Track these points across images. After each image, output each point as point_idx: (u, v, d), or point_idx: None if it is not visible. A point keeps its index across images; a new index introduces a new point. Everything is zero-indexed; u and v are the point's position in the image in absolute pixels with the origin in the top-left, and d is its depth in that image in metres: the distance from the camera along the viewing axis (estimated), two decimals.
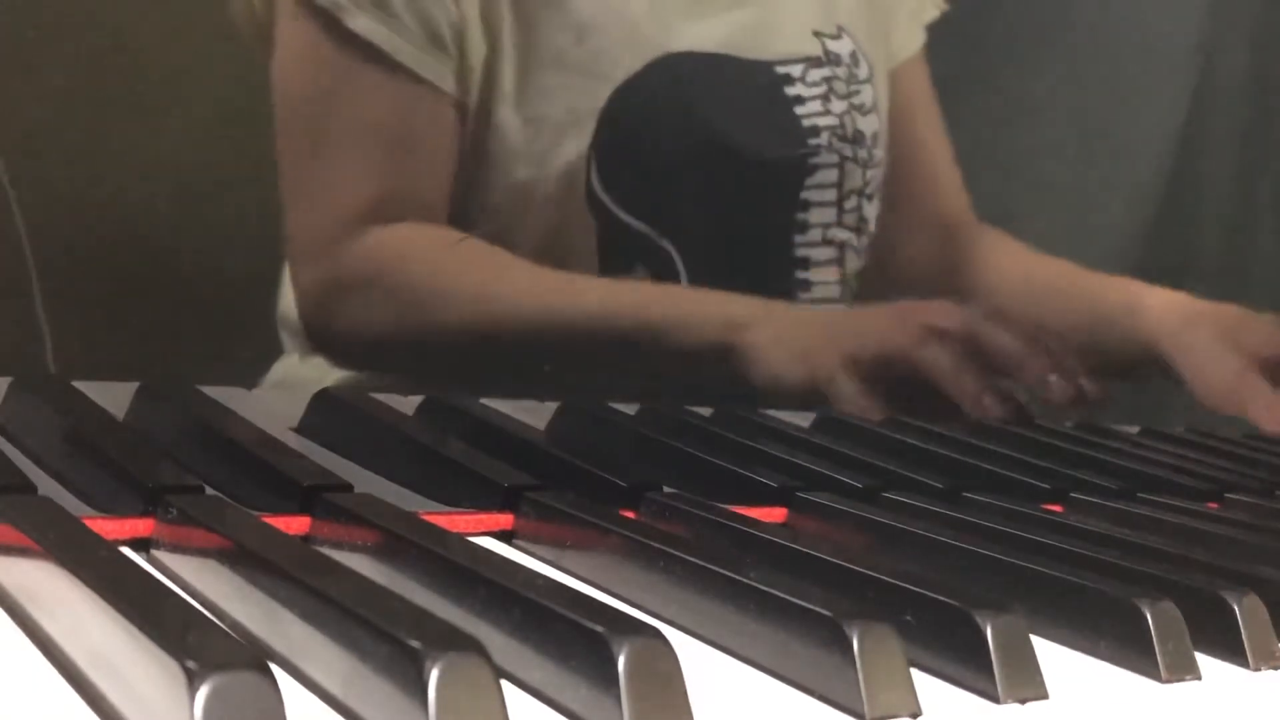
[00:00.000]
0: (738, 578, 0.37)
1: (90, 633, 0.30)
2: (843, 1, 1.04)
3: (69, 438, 0.48)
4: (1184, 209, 1.48)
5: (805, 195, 1.00)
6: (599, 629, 0.30)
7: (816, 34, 1.02)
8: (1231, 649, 0.39)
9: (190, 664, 0.26)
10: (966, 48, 1.34)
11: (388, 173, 0.92)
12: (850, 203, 1.02)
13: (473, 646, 0.28)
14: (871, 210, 1.04)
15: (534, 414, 0.62)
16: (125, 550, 0.39)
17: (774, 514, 0.51)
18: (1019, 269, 1.06)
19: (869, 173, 1.03)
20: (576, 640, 0.31)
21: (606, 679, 0.30)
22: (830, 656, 0.33)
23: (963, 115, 1.34)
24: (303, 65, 0.92)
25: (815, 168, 1.00)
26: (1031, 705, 0.34)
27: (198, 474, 0.44)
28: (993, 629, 0.35)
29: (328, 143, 0.93)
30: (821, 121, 1.00)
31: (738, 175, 0.99)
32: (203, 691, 0.26)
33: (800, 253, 1.01)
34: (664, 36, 0.97)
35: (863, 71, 1.03)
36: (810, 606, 0.34)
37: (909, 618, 0.36)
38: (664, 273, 0.98)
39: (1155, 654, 0.37)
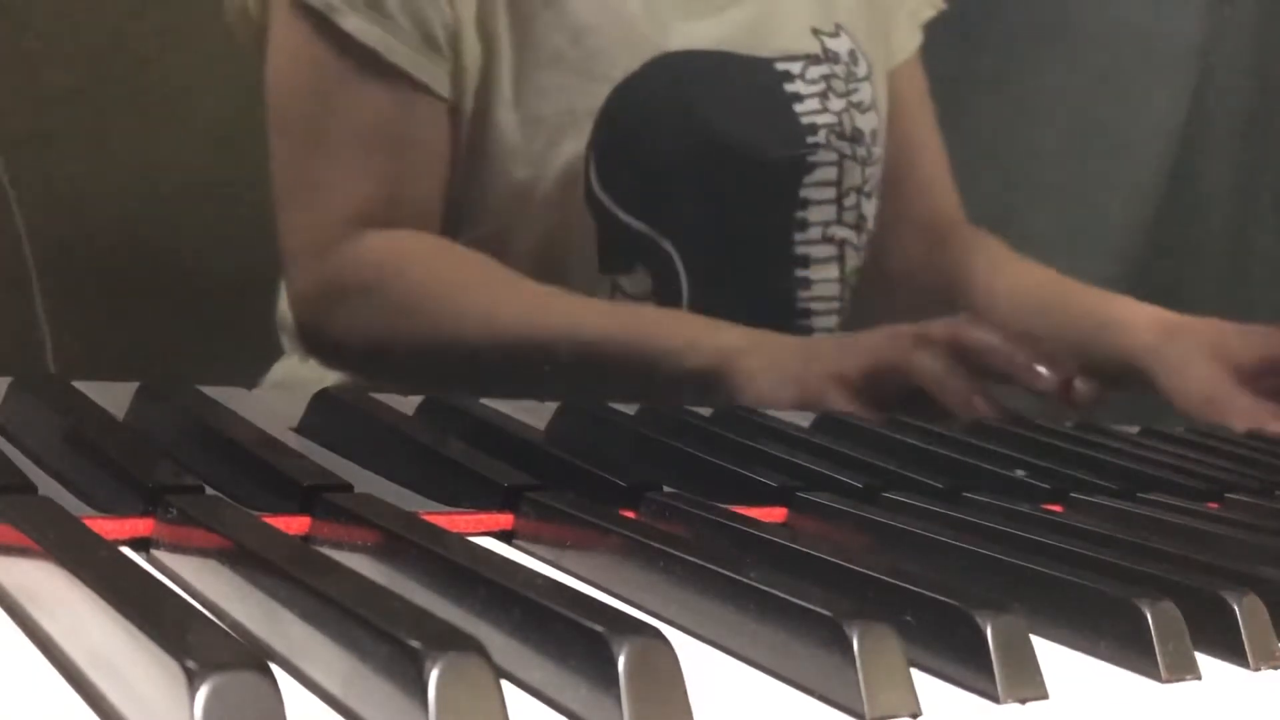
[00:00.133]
0: (738, 578, 0.37)
1: (90, 633, 0.30)
2: (841, 0, 1.04)
3: (69, 438, 0.48)
4: (1184, 209, 1.49)
5: (804, 193, 1.00)
6: (599, 629, 0.30)
7: (815, 31, 1.02)
8: (1231, 649, 0.39)
9: (190, 664, 0.26)
10: (967, 48, 1.34)
11: (381, 174, 0.92)
12: (849, 200, 1.02)
13: (473, 646, 0.28)
14: (870, 208, 1.04)
15: (534, 414, 0.62)
16: (125, 550, 0.39)
17: (774, 514, 0.51)
18: (1006, 276, 1.06)
19: (868, 170, 1.03)
20: (576, 640, 0.31)
21: (606, 679, 0.30)
22: (830, 656, 0.33)
23: (963, 115, 1.34)
24: (296, 66, 0.92)
25: (814, 166, 1.00)
26: (1031, 705, 0.34)
27: (198, 474, 0.44)
28: (993, 629, 0.35)
29: (321, 144, 0.93)
30: (820, 119, 1.00)
31: (737, 173, 0.99)
32: (203, 691, 0.26)
33: (800, 250, 1.01)
34: (661, 36, 0.97)
35: (861, 69, 1.03)
36: (810, 606, 0.34)
37: (909, 618, 0.36)
38: (664, 272, 0.98)
39: (1155, 654, 0.37)
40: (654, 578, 0.39)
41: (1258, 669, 0.39)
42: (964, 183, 1.18)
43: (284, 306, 0.97)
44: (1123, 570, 0.43)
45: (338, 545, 0.41)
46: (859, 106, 1.02)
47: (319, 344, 0.95)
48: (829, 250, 1.01)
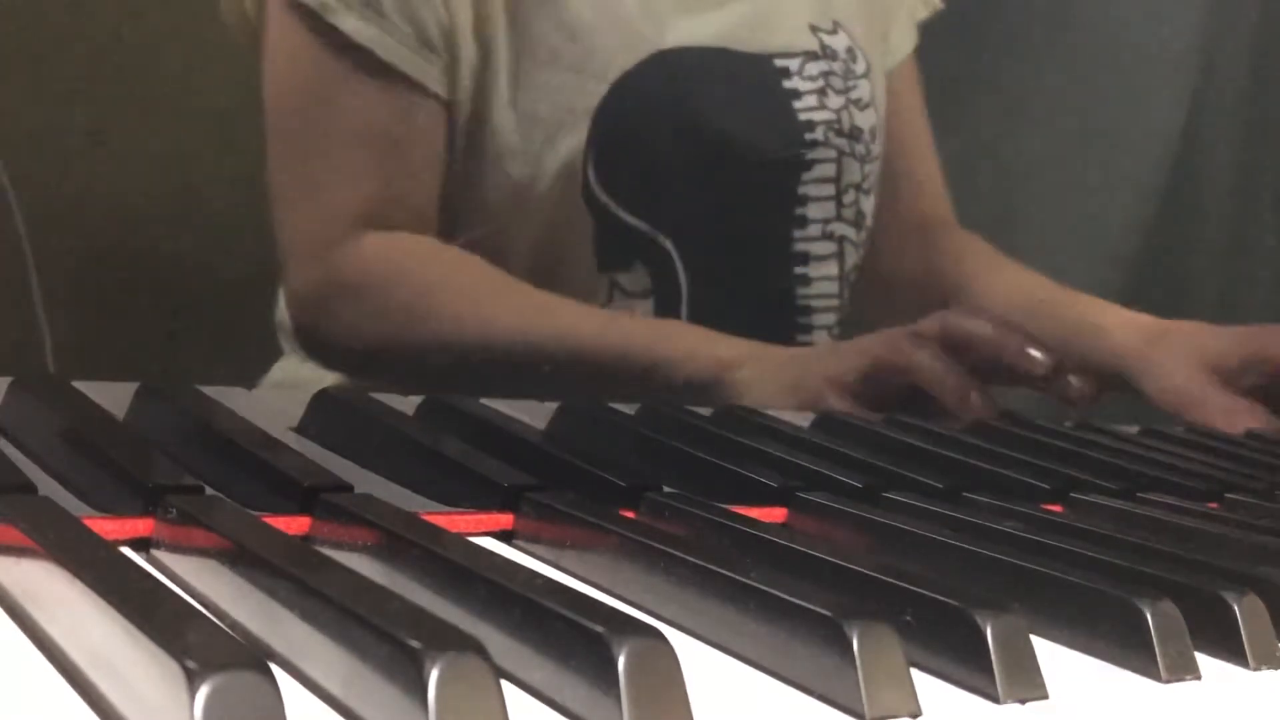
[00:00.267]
0: (738, 578, 0.37)
1: (90, 633, 0.30)
2: None
3: (69, 438, 0.48)
4: (1184, 209, 1.49)
5: (804, 190, 1.00)
6: (599, 629, 0.30)
7: (813, 28, 1.02)
8: (1231, 649, 0.39)
9: (190, 664, 0.26)
10: (967, 48, 1.34)
11: (378, 174, 0.92)
12: (849, 197, 1.02)
13: (473, 646, 0.28)
14: (869, 205, 1.04)
15: (534, 414, 0.62)
16: (125, 550, 0.39)
17: (774, 514, 0.51)
18: (994, 280, 1.07)
19: (867, 168, 1.03)
20: (576, 640, 0.31)
21: (606, 679, 0.30)
22: (830, 656, 0.33)
23: (963, 115, 1.34)
24: (291, 66, 0.92)
25: (813, 163, 1.00)
26: (1031, 705, 0.34)
27: (198, 474, 0.44)
28: (993, 629, 0.35)
29: (317, 144, 0.93)
30: (818, 116, 1.00)
31: (735, 170, 0.99)
32: (203, 691, 0.26)
33: (799, 247, 1.01)
34: (658, 33, 0.97)
35: (860, 66, 1.03)
36: (810, 606, 0.34)
37: (909, 618, 0.36)
38: (662, 270, 0.98)
39: (1155, 654, 0.37)
40: (654, 578, 0.39)
41: (1258, 669, 0.39)
42: (964, 183, 1.18)
43: (283, 307, 0.97)
44: (1123, 570, 0.43)
45: (338, 545, 0.41)
46: (857, 103, 1.02)
47: (315, 345, 0.95)
48: (828, 247, 1.01)
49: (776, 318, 1.01)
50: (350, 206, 0.91)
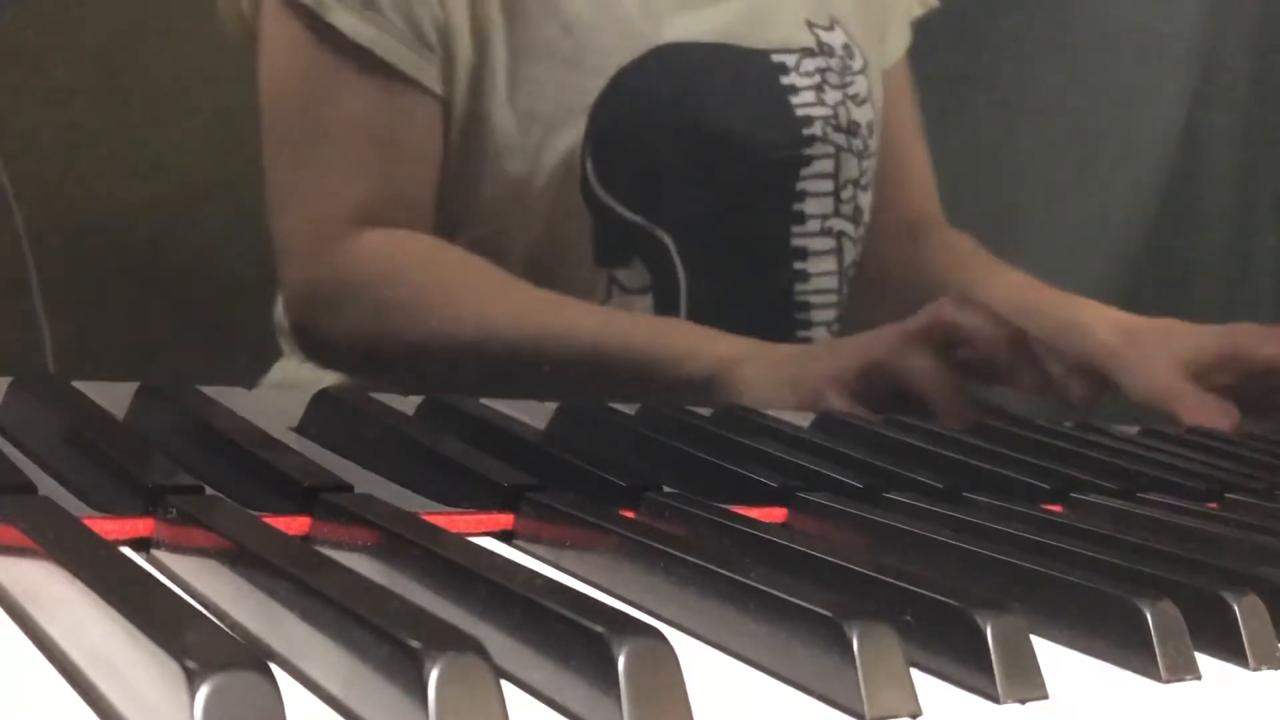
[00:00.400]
0: (738, 578, 0.37)
1: (90, 633, 0.30)
2: None
3: (69, 438, 0.48)
4: (1184, 209, 1.48)
5: (802, 186, 1.00)
6: (599, 629, 0.30)
7: (809, 24, 1.02)
8: (1231, 649, 0.39)
9: (190, 664, 0.26)
10: (967, 48, 1.34)
11: (374, 171, 0.92)
12: (847, 193, 1.02)
13: (473, 646, 0.28)
14: (867, 201, 1.05)
15: (534, 414, 0.62)
16: (125, 550, 0.39)
17: (774, 514, 0.51)
18: (981, 280, 1.07)
19: (864, 163, 1.03)
20: (576, 640, 0.31)
21: (606, 679, 0.30)
22: (830, 656, 0.33)
23: (962, 115, 1.34)
24: (288, 63, 0.92)
25: (811, 159, 1.00)
26: (1031, 705, 0.34)
27: (198, 474, 0.44)
28: (993, 629, 0.35)
29: (314, 142, 0.93)
30: (816, 111, 1.00)
31: (733, 166, 0.99)
32: (203, 691, 0.26)
33: (798, 243, 1.01)
34: (655, 28, 0.97)
35: (857, 63, 1.04)
36: (810, 606, 0.34)
37: (909, 618, 0.36)
38: (661, 265, 0.98)
39: (1155, 654, 0.37)
40: (654, 578, 0.39)
41: (1258, 669, 0.39)
42: (964, 183, 1.17)
43: (282, 307, 0.97)
44: (1123, 570, 0.43)
45: (338, 545, 0.41)
46: (855, 99, 1.03)
47: (313, 344, 0.95)
48: (827, 243, 1.02)
49: (775, 314, 1.01)
50: (347, 204, 0.91)
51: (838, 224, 1.02)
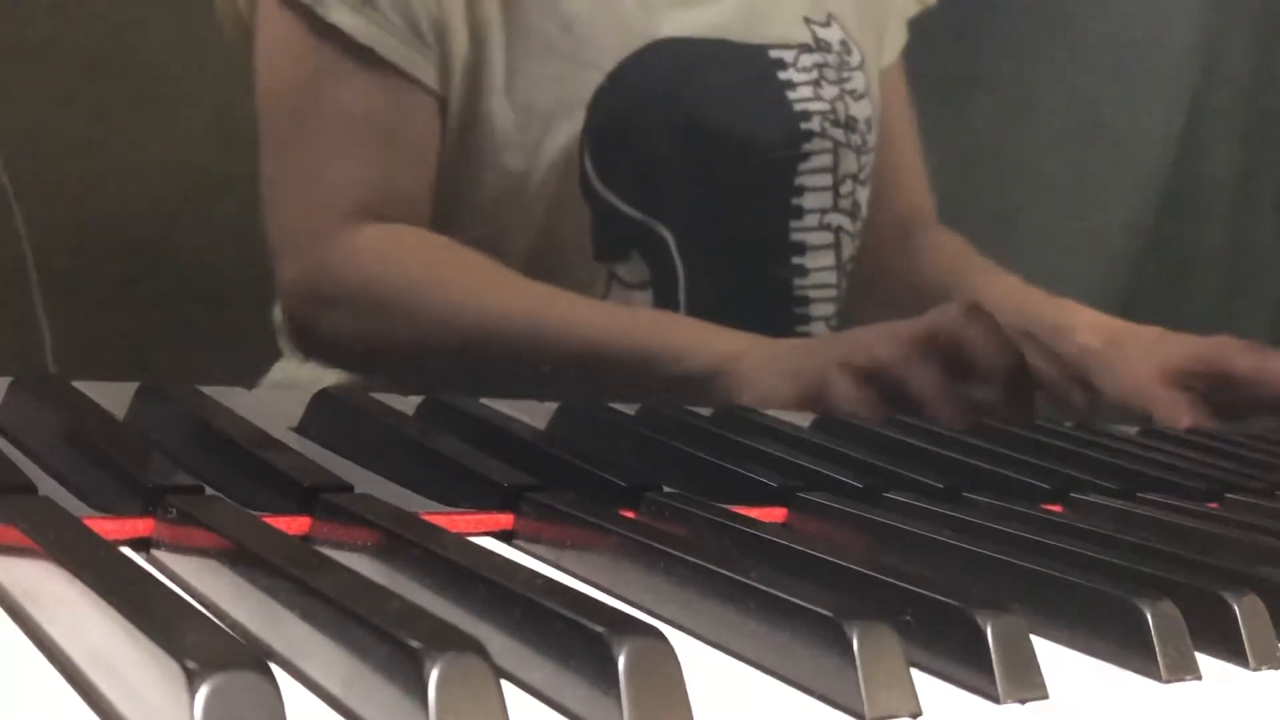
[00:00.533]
0: (738, 578, 0.37)
1: (90, 633, 0.30)
2: None
3: (69, 438, 0.48)
4: (1184, 209, 1.48)
5: (800, 181, 1.00)
6: (599, 629, 0.30)
7: (806, 20, 1.02)
8: (1231, 649, 0.39)
9: (190, 664, 0.26)
10: (967, 47, 1.34)
11: (371, 166, 0.92)
12: (845, 188, 1.02)
13: (473, 646, 0.28)
14: (865, 196, 1.05)
15: (534, 414, 0.62)
16: (125, 550, 0.39)
17: (774, 514, 0.51)
18: (970, 280, 1.08)
19: (863, 158, 1.03)
20: (576, 640, 0.31)
21: (606, 679, 0.30)
22: (830, 656, 0.33)
23: (962, 114, 1.34)
24: (284, 60, 0.93)
25: (809, 153, 1.00)
26: (1031, 705, 0.34)
27: (198, 474, 0.44)
28: (993, 629, 0.35)
29: (310, 136, 0.93)
30: (813, 106, 1.00)
31: (732, 160, 0.99)
32: (203, 691, 0.26)
33: (796, 238, 1.01)
34: (652, 23, 0.97)
35: (854, 59, 1.04)
36: (810, 606, 0.34)
37: (909, 618, 0.36)
38: (660, 260, 0.98)
39: (1155, 654, 0.37)
40: (654, 578, 0.39)
41: (1258, 669, 0.39)
42: (963, 182, 1.18)
43: (279, 305, 0.97)
44: (1123, 570, 0.43)
45: (338, 545, 0.41)
46: (852, 94, 1.03)
47: (310, 339, 0.95)
48: (825, 238, 1.02)
49: (774, 308, 1.02)
50: (344, 199, 0.91)
51: (836, 219, 1.02)
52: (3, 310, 0.95)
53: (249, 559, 0.35)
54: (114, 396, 0.53)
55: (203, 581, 0.37)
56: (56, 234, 0.98)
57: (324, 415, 0.56)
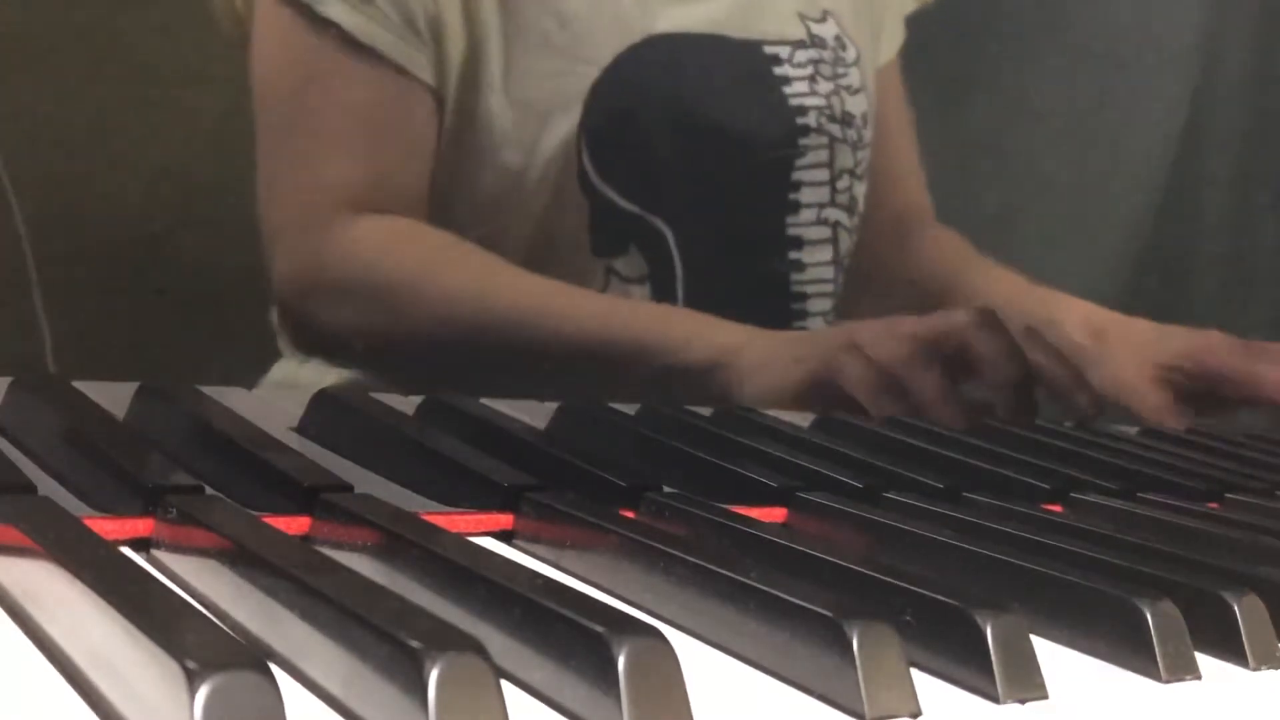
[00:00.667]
0: (738, 578, 0.37)
1: (90, 633, 0.30)
2: None
3: (69, 438, 0.48)
4: (1184, 209, 1.48)
5: (797, 175, 1.01)
6: (599, 629, 0.30)
7: (801, 16, 1.03)
8: (1231, 649, 0.39)
9: (190, 664, 0.26)
10: (966, 47, 1.34)
11: (368, 158, 0.92)
12: (842, 183, 1.02)
13: (473, 646, 0.28)
14: (862, 191, 1.05)
15: (534, 414, 0.62)
16: (125, 550, 0.39)
17: (774, 514, 0.51)
18: (967, 276, 1.08)
19: (859, 154, 1.04)
20: (576, 640, 0.31)
21: (606, 679, 0.30)
22: (830, 656, 0.33)
23: (963, 115, 1.34)
24: (280, 54, 0.93)
25: (806, 149, 1.00)
26: (1031, 705, 0.34)
27: (198, 474, 0.44)
28: (993, 629, 0.35)
29: (307, 129, 0.93)
30: (809, 101, 1.00)
31: (728, 156, 0.99)
32: (203, 691, 0.26)
33: (793, 233, 1.01)
34: (648, 19, 0.97)
35: (849, 55, 1.04)
36: (810, 606, 0.34)
37: (909, 618, 0.36)
38: (658, 254, 0.98)
39: (1155, 654, 0.37)
40: (654, 578, 0.39)
41: (1258, 669, 0.39)
42: (964, 183, 1.18)
43: (275, 300, 0.97)
44: (1123, 570, 0.43)
45: (338, 545, 0.41)
46: (848, 90, 1.03)
47: (306, 331, 0.94)
48: (822, 232, 1.02)
49: (772, 303, 1.02)
50: (341, 190, 0.92)
51: (833, 214, 1.02)
52: (3, 310, 0.95)
53: (249, 559, 0.35)
54: (114, 396, 0.53)
55: (203, 581, 0.37)
56: (56, 234, 0.98)
57: (324, 415, 0.56)
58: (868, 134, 1.05)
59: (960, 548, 0.45)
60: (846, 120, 1.02)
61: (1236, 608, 0.40)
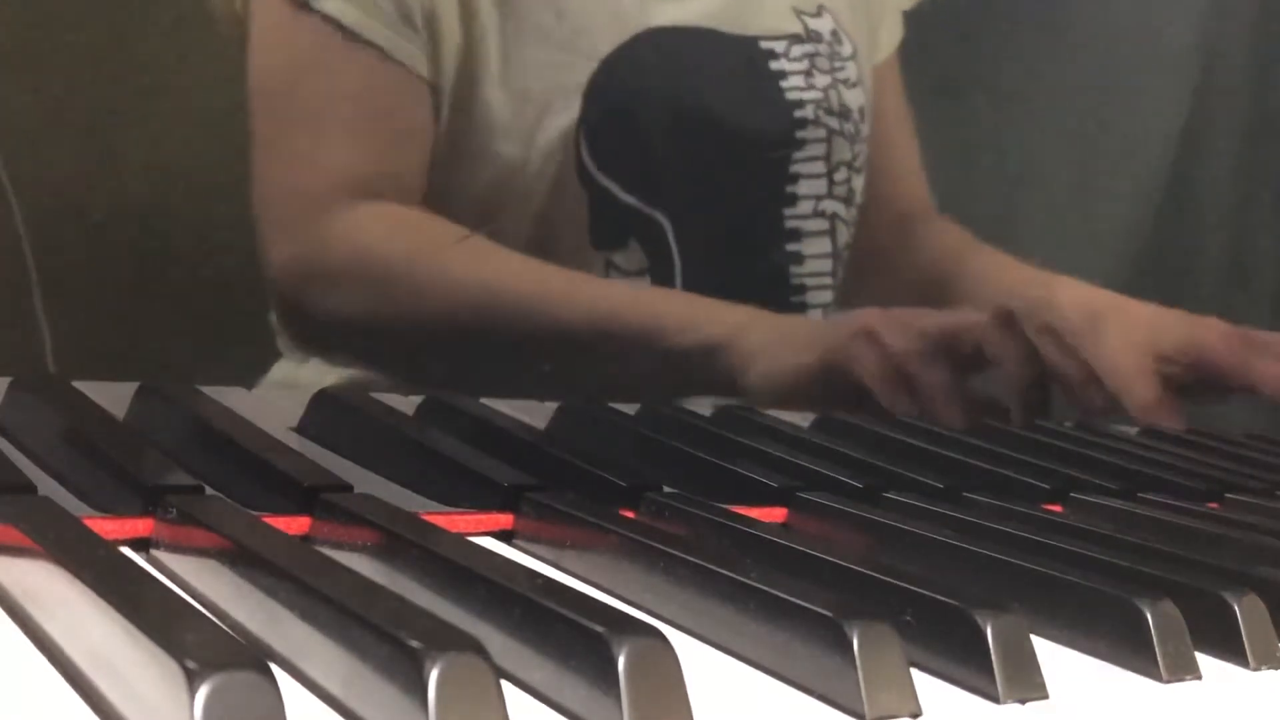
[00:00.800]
0: (738, 578, 0.37)
1: (90, 633, 0.30)
2: None
3: (69, 438, 0.48)
4: (1184, 209, 1.48)
5: (795, 168, 1.01)
6: (599, 629, 0.30)
7: (796, 11, 1.03)
8: (1231, 649, 0.39)
9: (190, 664, 0.26)
10: (966, 47, 1.34)
11: (363, 149, 0.92)
12: (840, 175, 1.03)
13: (473, 646, 0.28)
14: (860, 183, 1.05)
15: (534, 414, 0.62)
16: (125, 550, 0.39)
17: (774, 514, 0.51)
18: (969, 264, 1.07)
19: (857, 146, 1.04)
20: (576, 640, 0.31)
21: (606, 679, 0.30)
22: (830, 656, 0.33)
23: (962, 115, 1.34)
24: (276, 46, 0.93)
25: (804, 141, 1.00)
26: (1031, 705, 0.34)
27: (198, 474, 0.44)
28: (993, 629, 0.35)
29: (302, 120, 0.93)
30: (806, 95, 1.01)
31: (726, 148, 0.99)
32: (203, 691, 0.26)
33: (791, 225, 1.01)
34: (645, 13, 0.97)
35: (845, 49, 1.04)
36: (810, 606, 0.34)
37: (909, 618, 0.36)
38: (657, 247, 0.98)
39: (1155, 654, 0.37)
40: (654, 578, 0.39)
41: (1258, 669, 0.39)
42: (964, 183, 1.17)
43: (271, 293, 0.96)
44: (1123, 570, 0.43)
45: (338, 545, 0.41)
46: (845, 83, 1.03)
47: (303, 321, 0.94)
48: (821, 224, 1.02)
49: (771, 295, 1.02)
50: (339, 176, 0.92)
51: (831, 206, 1.02)
52: (3, 310, 0.95)
53: (249, 559, 0.35)
54: (114, 396, 0.53)
55: (203, 581, 0.37)
56: (56, 234, 0.98)
57: (324, 415, 0.56)
58: (865, 127, 1.05)
59: (960, 548, 0.45)
60: (844, 113, 1.02)
61: (1236, 608, 0.40)
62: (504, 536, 0.46)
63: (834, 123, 1.02)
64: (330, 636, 0.30)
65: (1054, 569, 0.41)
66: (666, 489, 0.50)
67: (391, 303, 0.91)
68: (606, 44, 0.96)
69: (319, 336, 0.94)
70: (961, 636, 0.35)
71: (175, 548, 0.39)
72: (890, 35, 1.12)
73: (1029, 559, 0.43)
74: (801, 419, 0.71)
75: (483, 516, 0.46)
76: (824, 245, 1.02)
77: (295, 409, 0.57)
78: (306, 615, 0.31)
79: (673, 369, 0.84)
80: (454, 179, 0.95)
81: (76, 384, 0.54)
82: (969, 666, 0.35)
